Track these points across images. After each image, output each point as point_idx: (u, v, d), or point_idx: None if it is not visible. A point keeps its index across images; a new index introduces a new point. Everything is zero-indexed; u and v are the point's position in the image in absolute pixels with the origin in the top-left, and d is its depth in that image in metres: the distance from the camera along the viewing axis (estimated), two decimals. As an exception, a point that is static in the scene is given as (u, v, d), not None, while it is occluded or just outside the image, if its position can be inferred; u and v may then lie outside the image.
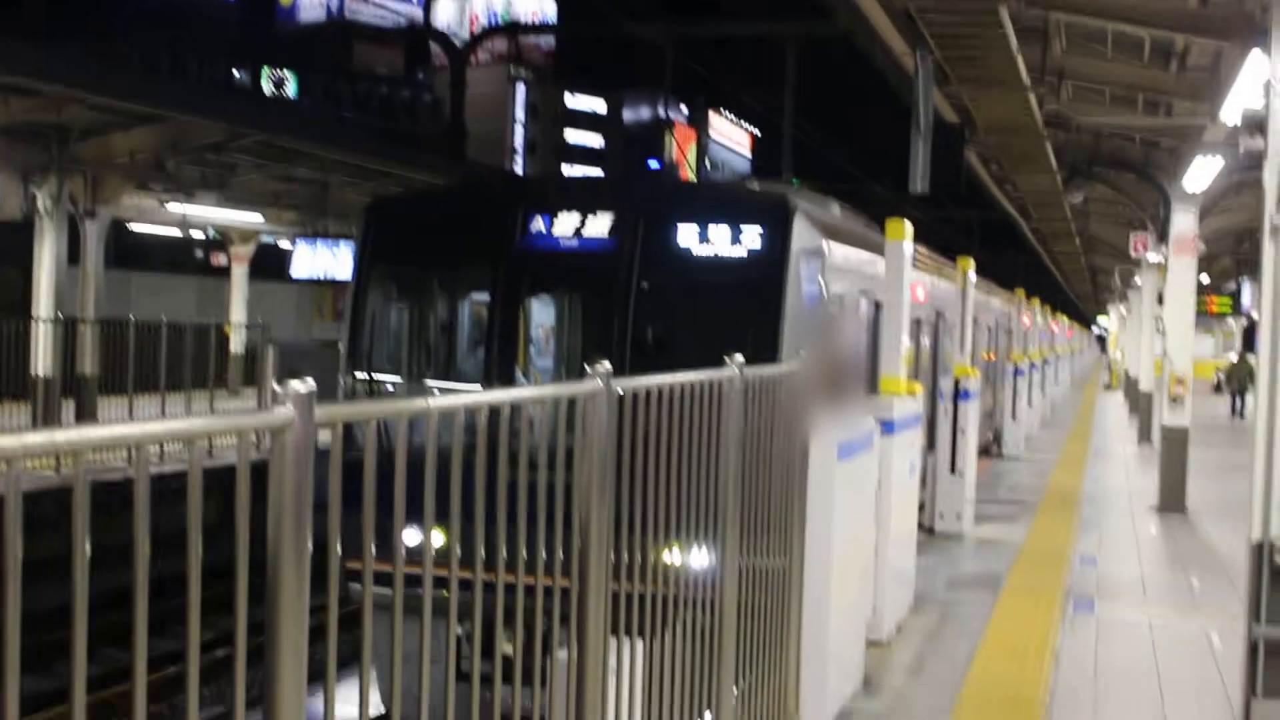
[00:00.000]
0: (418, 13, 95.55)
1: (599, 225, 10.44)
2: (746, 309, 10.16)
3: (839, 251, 11.23)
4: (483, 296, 11.10)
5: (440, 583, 3.54)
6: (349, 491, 2.99)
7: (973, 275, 18.46)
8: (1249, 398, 35.98)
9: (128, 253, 37.79)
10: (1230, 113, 11.28)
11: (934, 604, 11.72)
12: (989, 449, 25.49)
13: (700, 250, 10.21)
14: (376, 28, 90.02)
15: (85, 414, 20.37)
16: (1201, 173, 15.95)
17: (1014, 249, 57.37)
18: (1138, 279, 34.97)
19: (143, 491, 2.46)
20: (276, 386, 2.75)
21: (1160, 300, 22.19)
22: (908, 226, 11.18)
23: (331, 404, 2.92)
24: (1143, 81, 15.00)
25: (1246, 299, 36.02)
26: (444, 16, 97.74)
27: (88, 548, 2.32)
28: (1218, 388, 46.35)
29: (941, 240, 41.07)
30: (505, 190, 13.80)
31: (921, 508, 14.20)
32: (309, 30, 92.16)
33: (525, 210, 10.62)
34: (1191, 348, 18.68)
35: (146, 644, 2.46)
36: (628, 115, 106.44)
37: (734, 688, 5.99)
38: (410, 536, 3.62)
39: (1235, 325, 47.39)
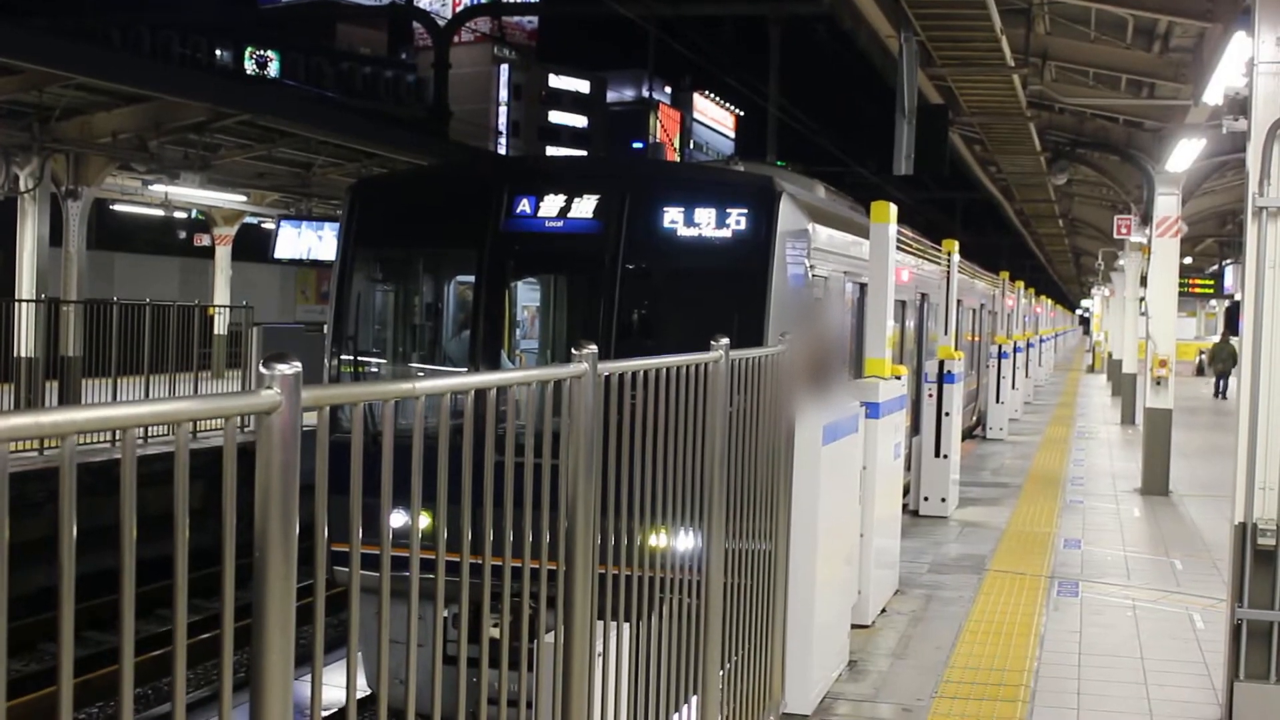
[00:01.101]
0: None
1: (584, 206, 10.40)
2: (732, 291, 10.13)
3: (824, 233, 11.22)
4: (468, 278, 11.05)
5: (427, 565, 3.53)
6: (335, 474, 2.97)
7: (957, 258, 18.49)
8: (1232, 380, 36.09)
9: (110, 233, 37.67)
10: (1213, 94, 11.28)
11: (919, 587, 11.76)
12: (973, 431, 25.55)
13: (685, 231, 10.18)
14: (359, 6, 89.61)
15: (69, 396, 20.30)
16: (1184, 154, 15.95)
17: (998, 231, 57.56)
18: (1121, 261, 35.03)
19: (129, 476, 2.44)
20: (262, 369, 2.73)
21: (1143, 282, 22.21)
22: (892, 209, 11.17)
23: (317, 386, 2.91)
24: (1126, 62, 14.99)
25: (1229, 281, 36.11)
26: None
27: (74, 531, 2.31)
28: (1200, 370, 46.49)
29: (925, 222, 41.12)
30: (490, 171, 13.75)
31: (906, 490, 14.24)
32: (291, 9, 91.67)
33: (510, 191, 10.57)
34: (1174, 330, 18.72)
35: (133, 627, 2.45)
36: (612, 96, 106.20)
37: (720, 670, 6.00)
38: (397, 519, 3.62)
39: (1218, 307, 47.48)
